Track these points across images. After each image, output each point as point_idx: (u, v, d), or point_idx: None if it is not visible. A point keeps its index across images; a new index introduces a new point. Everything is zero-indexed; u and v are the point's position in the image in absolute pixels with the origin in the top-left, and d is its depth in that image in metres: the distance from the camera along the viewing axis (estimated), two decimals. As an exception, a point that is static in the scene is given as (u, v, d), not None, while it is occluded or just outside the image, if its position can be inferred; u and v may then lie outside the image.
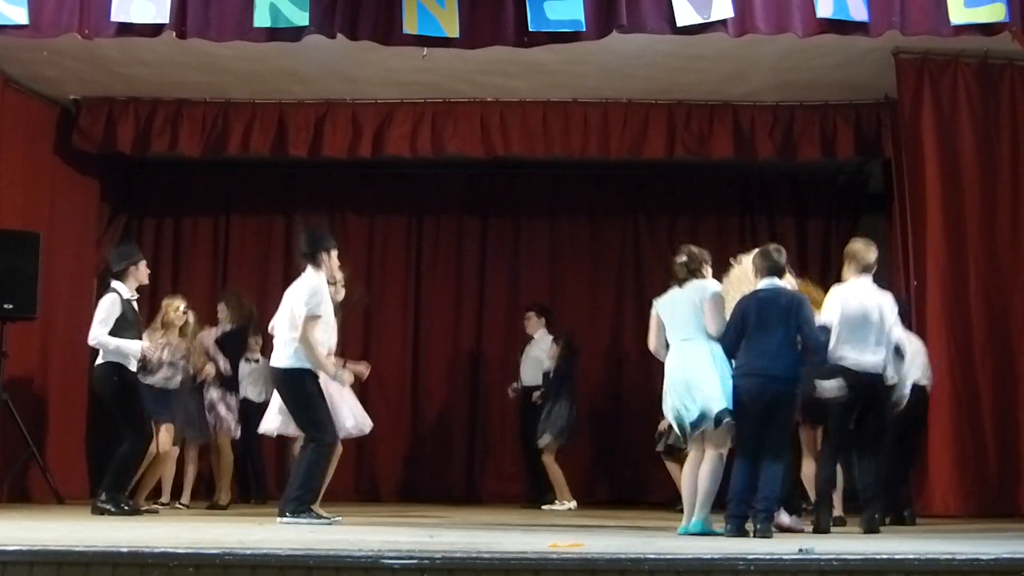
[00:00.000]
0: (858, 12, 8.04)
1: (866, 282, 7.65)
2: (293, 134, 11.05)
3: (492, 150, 11.07)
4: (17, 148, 10.47)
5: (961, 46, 9.19)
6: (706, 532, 6.82)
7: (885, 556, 4.81)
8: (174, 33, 8.17)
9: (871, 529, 7.38)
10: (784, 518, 7.33)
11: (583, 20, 7.98)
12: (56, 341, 10.90)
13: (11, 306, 9.70)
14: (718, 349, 6.94)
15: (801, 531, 7.28)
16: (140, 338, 8.78)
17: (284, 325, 7.82)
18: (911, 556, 4.82)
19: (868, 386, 7.48)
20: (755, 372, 6.82)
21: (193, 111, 11.06)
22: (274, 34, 8.12)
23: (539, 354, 11.21)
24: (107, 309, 8.60)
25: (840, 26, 8.13)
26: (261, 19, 7.98)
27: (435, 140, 11.01)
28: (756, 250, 7.35)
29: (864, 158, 11.55)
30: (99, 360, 8.69)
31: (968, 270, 9.45)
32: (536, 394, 11.00)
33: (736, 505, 6.77)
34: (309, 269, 7.90)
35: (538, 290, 12.58)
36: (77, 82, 10.67)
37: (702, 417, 6.80)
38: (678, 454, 8.69)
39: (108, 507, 8.36)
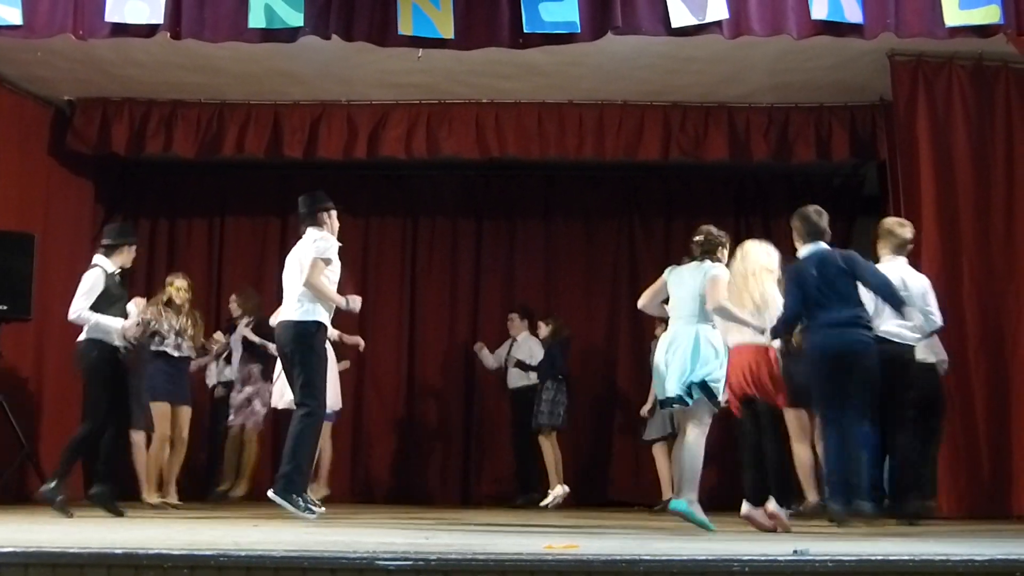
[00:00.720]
0: (853, 14, 8.06)
1: (902, 262, 7.88)
2: (288, 135, 11.05)
3: (487, 151, 11.08)
4: (11, 149, 10.46)
5: (956, 48, 9.20)
6: (689, 516, 6.80)
7: (880, 558, 4.81)
8: (168, 34, 8.15)
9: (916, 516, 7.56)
10: (771, 505, 7.23)
11: (578, 22, 7.99)
12: (51, 342, 10.87)
13: (6, 307, 9.69)
14: (711, 333, 6.97)
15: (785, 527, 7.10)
16: (125, 314, 8.63)
17: (294, 279, 7.83)
18: (906, 557, 4.81)
19: (899, 359, 7.63)
20: (834, 333, 6.98)
21: (188, 112, 11.06)
22: (269, 35, 8.11)
23: (523, 357, 11.27)
24: (90, 283, 8.51)
25: (835, 28, 8.15)
26: (256, 20, 7.97)
27: (430, 141, 11.01)
28: (794, 214, 7.64)
29: (859, 160, 11.57)
30: (80, 336, 8.57)
31: (962, 272, 9.45)
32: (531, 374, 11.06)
33: (840, 483, 6.89)
34: (311, 230, 7.98)
35: (533, 292, 12.60)
36: (71, 83, 10.67)
37: (668, 398, 6.91)
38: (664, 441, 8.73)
39: (50, 497, 8.22)
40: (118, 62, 10.05)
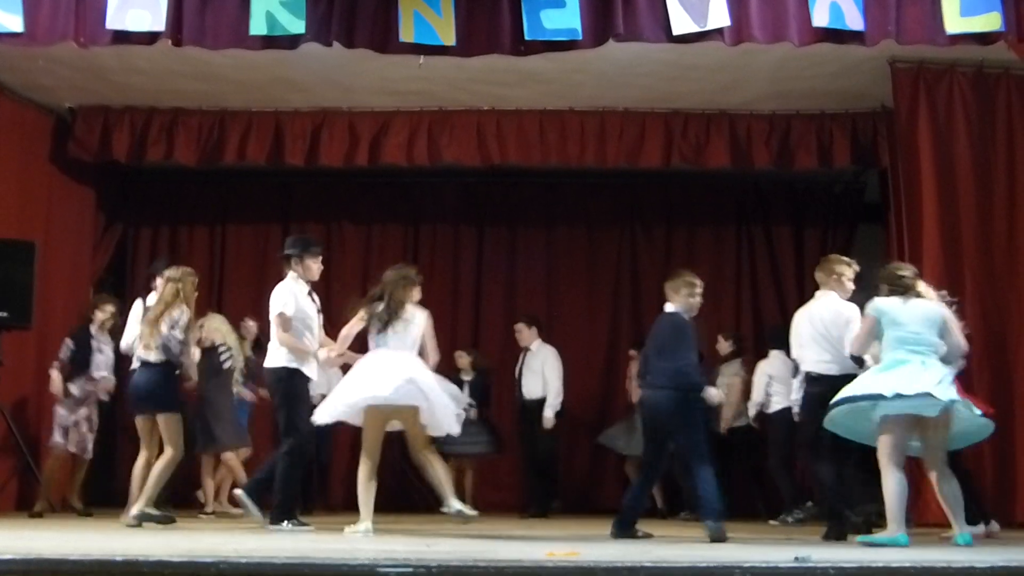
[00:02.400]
0: (854, 21, 8.06)
1: (831, 297, 7.77)
2: (289, 143, 11.05)
3: (488, 159, 11.09)
4: (12, 156, 10.46)
5: (957, 55, 9.19)
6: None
7: (881, 564, 4.81)
8: (170, 41, 8.17)
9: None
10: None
11: (579, 29, 7.99)
12: (51, 350, 10.80)
13: (6, 315, 9.69)
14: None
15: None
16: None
17: (273, 328, 8.11)
18: (907, 564, 4.81)
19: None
20: None
21: (189, 120, 11.06)
22: (270, 42, 8.11)
23: (538, 366, 11.14)
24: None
25: (836, 35, 8.15)
26: (257, 27, 7.98)
27: (431, 149, 11.01)
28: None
29: (860, 167, 11.55)
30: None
31: (964, 278, 9.43)
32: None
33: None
34: (288, 273, 8.20)
35: (535, 299, 12.59)
36: (73, 90, 10.67)
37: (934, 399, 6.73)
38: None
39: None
40: (119, 70, 10.05)
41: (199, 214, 12.98)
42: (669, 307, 7.78)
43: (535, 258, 12.89)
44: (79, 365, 9.84)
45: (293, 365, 7.98)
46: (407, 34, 8.01)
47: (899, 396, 6.64)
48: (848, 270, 7.83)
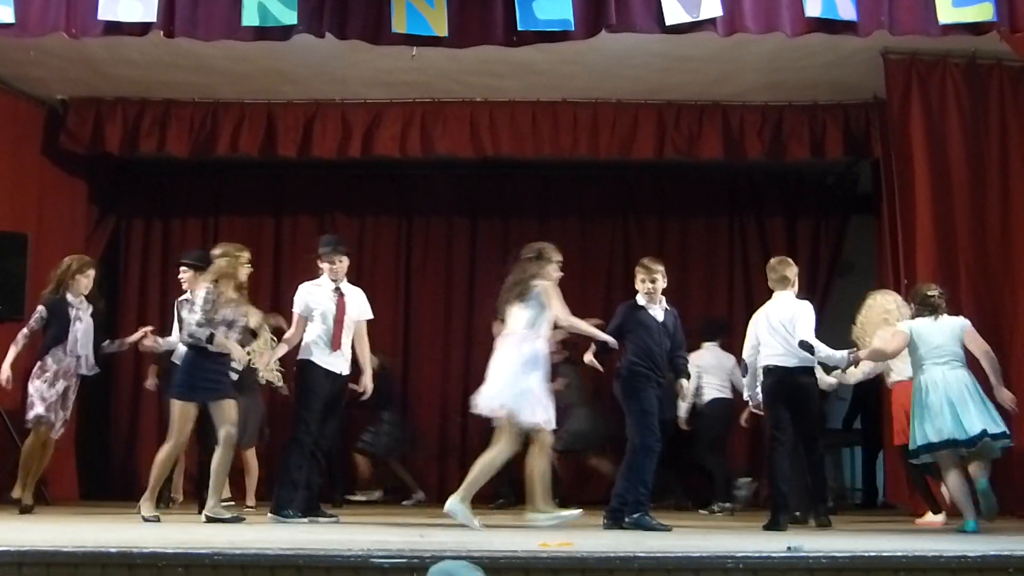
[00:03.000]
0: (847, 12, 8.06)
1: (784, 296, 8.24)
2: (282, 135, 11.03)
3: (482, 150, 11.08)
4: (4, 148, 10.45)
5: (949, 46, 9.20)
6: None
7: (873, 553, 4.82)
8: (162, 32, 8.15)
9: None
10: None
11: (572, 19, 7.98)
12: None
13: (0, 307, 9.66)
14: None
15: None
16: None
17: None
18: (899, 553, 4.83)
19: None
20: None
21: (181, 111, 11.04)
22: (262, 33, 8.09)
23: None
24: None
25: (829, 25, 8.14)
26: (249, 18, 7.95)
27: (424, 140, 11.00)
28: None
29: (853, 158, 11.56)
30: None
31: (958, 269, 9.45)
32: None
33: None
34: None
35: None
36: (64, 82, 10.65)
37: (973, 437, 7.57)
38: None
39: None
40: (111, 61, 10.03)
41: (192, 206, 12.96)
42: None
43: (529, 249, 12.87)
44: (55, 336, 8.93)
45: (304, 357, 8.23)
46: (399, 25, 7.99)
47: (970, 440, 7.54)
48: (795, 270, 8.44)
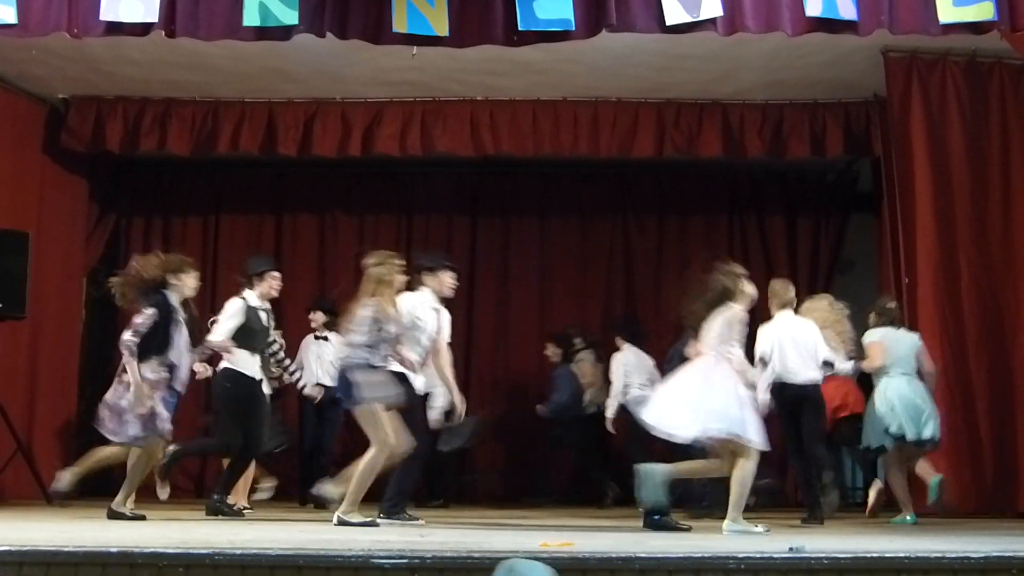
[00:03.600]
0: (847, 11, 8.05)
1: (787, 315, 8.50)
2: (282, 133, 11.03)
3: (482, 149, 11.07)
4: (5, 147, 10.46)
5: (949, 44, 9.20)
6: None
7: (875, 554, 4.82)
8: (163, 32, 8.14)
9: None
10: None
11: (572, 19, 7.97)
12: (45, 340, 10.88)
13: (0, 305, 9.67)
14: None
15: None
16: (263, 347, 8.80)
17: None
18: (901, 554, 4.83)
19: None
20: None
21: (182, 110, 11.04)
22: (263, 33, 8.08)
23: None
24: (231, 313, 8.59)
25: (829, 24, 8.14)
26: (250, 18, 7.95)
27: (425, 139, 11.00)
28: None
29: (853, 156, 11.55)
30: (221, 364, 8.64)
31: (960, 267, 9.45)
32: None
33: None
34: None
35: (528, 288, 12.61)
36: (66, 81, 10.65)
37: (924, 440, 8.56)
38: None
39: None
40: (112, 60, 10.04)
41: (192, 204, 12.97)
42: None
43: (528, 247, 12.89)
44: (158, 344, 7.78)
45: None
46: (400, 25, 7.99)
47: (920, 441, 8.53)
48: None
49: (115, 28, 8.11)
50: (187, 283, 8.02)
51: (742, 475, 6.93)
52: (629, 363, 10.41)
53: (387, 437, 7.33)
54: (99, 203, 12.11)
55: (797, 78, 10.36)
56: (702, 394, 6.96)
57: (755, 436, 6.93)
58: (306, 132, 11.04)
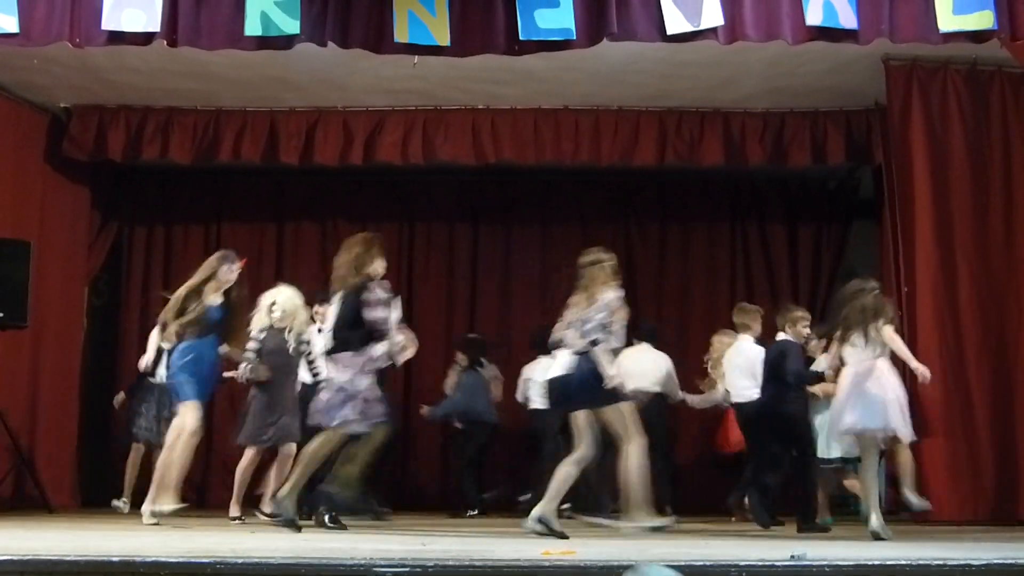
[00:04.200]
0: (847, 20, 8.05)
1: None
2: (284, 142, 11.05)
3: (483, 157, 11.08)
4: (7, 155, 10.47)
5: (950, 53, 9.21)
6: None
7: (877, 562, 4.82)
8: (165, 41, 8.14)
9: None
10: None
11: (574, 28, 7.98)
12: (47, 349, 10.88)
13: (2, 314, 9.67)
14: None
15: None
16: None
17: None
18: (903, 562, 4.83)
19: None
20: None
21: (184, 119, 11.06)
22: (265, 43, 8.09)
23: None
24: None
25: (830, 33, 8.14)
26: (252, 27, 7.96)
27: (426, 147, 11.02)
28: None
29: (854, 164, 11.56)
30: None
31: (960, 275, 9.45)
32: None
33: None
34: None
35: (529, 297, 12.60)
36: (68, 90, 10.67)
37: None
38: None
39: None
40: (114, 69, 10.06)
41: (194, 213, 12.98)
42: None
43: (530, 256, 12.89)
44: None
45: None
46: (401, 34, 7.99)
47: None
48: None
49: (117, 37, 8.12)
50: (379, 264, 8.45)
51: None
52: (536, 375, 10.29)
53: (639, 431, 7.51)
54: (101, 212, 12.11)
55: (798, 86, 10.37)
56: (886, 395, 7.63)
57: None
58: (308, 140, 11.06)
